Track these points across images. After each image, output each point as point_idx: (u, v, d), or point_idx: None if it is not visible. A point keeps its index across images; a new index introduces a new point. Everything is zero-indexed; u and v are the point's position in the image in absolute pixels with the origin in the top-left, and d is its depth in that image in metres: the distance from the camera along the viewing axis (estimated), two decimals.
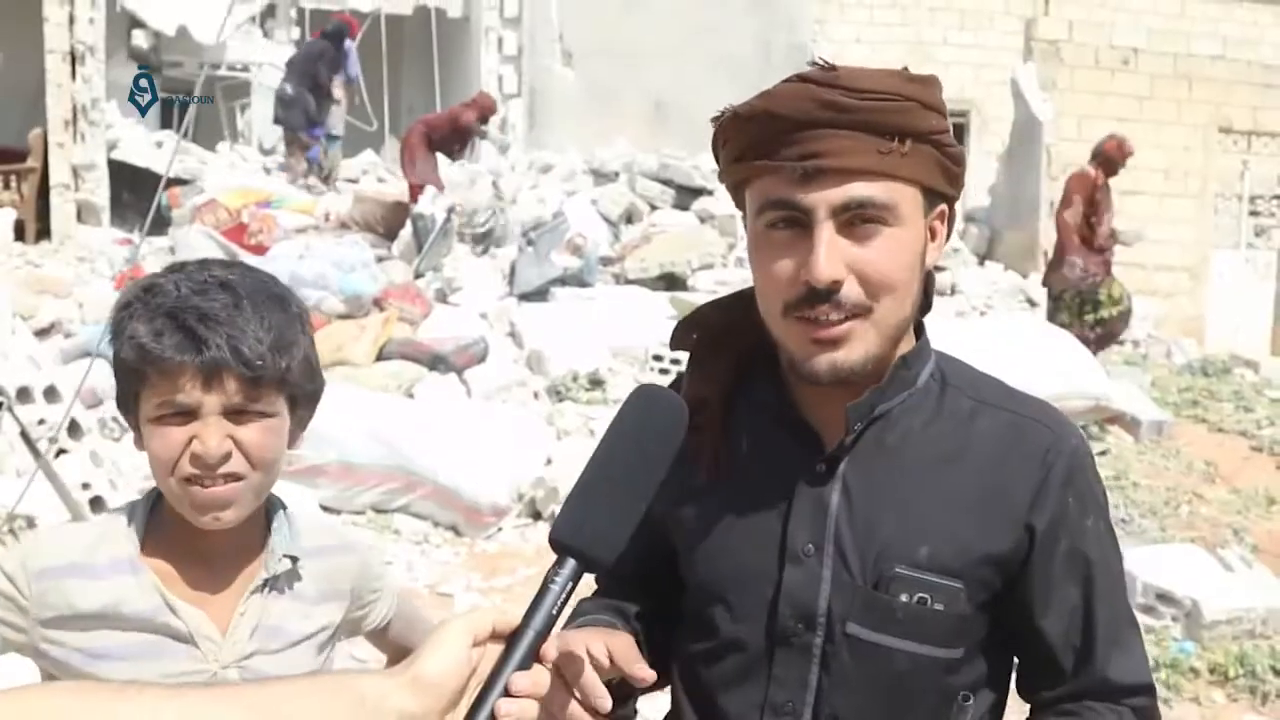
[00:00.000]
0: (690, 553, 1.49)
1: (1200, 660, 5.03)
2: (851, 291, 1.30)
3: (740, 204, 1.42)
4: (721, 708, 1.46)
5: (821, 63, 1.33)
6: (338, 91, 13.16)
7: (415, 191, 11.09)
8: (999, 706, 1.48)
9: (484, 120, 12.12)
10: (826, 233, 1.29)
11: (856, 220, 1.30)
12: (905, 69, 1.35)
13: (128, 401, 1.47)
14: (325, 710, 0.89)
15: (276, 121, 13.43)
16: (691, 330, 1.51)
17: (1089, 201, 8.97)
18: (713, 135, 1.40)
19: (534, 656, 0.96)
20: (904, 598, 1.36)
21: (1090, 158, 9.16)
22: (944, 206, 1.39)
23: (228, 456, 1.43)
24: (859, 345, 1.33)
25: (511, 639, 0.97)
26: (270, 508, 1.57)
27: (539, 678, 0.96)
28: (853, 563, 1.38)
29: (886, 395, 1.40)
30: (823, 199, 1.29)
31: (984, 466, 1.39)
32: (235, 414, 1.43)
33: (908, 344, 1.42)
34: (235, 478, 1.44)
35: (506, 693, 0.94)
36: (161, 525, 1.51)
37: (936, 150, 1.33)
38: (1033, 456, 1.39)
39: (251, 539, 1.53)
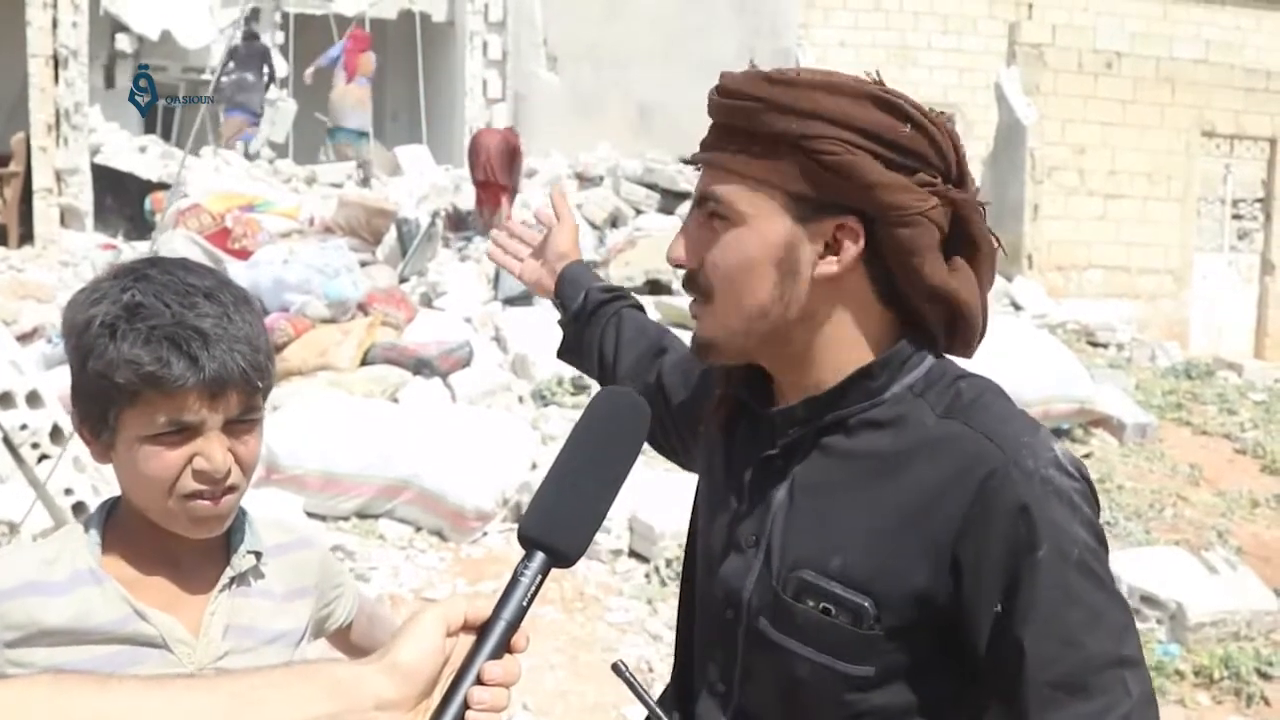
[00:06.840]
0: (691, 535, 1.61)
1: (1185, 663, 5.05)
2: (699, 277, 1.39)
3: None
4: (688, 681, 1.55)
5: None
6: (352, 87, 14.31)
7: (510, 196, 11.28)
8: None
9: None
10: (690, 219, 1.40)
11: (711, 214, 1.37)
12: (773, 69, 1.34)
13: (104, 419, 1.41)
14: (303, 695, 0.90)
15: (235, 104, 14.21)
16: None
17: None
18: None
19: (505, 646, 0.99)
20: (809, 603, 1.33)
21: None
22: (846, 218, 1.30)
23: (229, 470, 1.43)
24: (704, 326, 1.40)
25: (483, 629, 0.99)
26: None
27: (510, 667, 0.98)
28: (774, 561, 1.38)
29: (841, 404, 1.36)
30: (697, 187, 1.39)
31: (917, 484, 1.29)
32: (230, 425, 1.43)
33: (865, 354, 1.36)
34: (233, 489, 1.45)
35: (479, 681, 0.96)
36: (121, 534, 1.49)
37: (805, 156, 1.28)
38: (971, 478, 1.25)
39: (214, 540, 1.52)
